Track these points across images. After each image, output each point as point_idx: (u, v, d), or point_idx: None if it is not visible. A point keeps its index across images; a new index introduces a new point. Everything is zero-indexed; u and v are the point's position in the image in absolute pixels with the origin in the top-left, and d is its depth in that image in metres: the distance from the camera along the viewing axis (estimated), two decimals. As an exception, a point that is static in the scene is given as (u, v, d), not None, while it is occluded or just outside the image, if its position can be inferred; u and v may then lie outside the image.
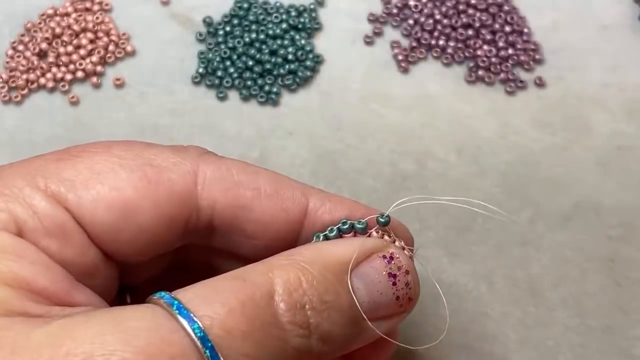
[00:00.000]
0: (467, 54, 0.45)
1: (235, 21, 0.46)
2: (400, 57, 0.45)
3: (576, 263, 0.40)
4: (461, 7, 0.46)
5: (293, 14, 0.46)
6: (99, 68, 0.45)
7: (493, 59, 0.45)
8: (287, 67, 0.45)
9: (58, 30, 0.45)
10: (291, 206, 0.30)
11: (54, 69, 0.44)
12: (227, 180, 0.29)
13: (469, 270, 0.40)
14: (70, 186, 0.27)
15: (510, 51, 0.45)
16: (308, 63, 0.45)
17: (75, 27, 0.45)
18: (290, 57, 0.45)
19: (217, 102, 0.44)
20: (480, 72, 0.45)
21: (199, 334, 0.24)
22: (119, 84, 0.44)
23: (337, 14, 0.47)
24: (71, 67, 0.44)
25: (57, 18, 0.46)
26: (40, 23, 0.46)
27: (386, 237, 0.29)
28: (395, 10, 0.46)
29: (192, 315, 0.24)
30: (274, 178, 0.30)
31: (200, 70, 0.45)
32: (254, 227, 0.30)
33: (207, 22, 0.46)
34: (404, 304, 0.28)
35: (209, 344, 0.24)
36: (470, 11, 0.46)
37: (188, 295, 0.25)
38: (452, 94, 0.45)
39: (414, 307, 0.29)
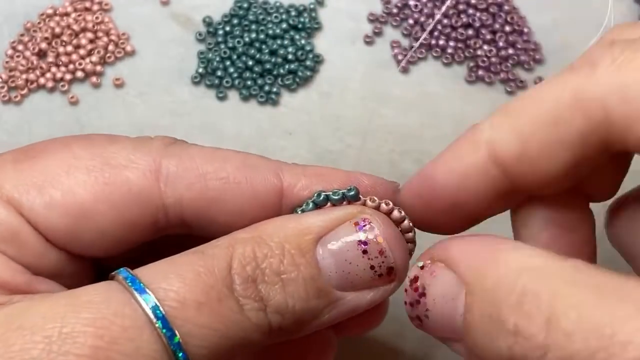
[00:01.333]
0: (467, 54, 0.45)
1: (235, 21, 0.46)
2: (400, 57, 0.45)
3: (576, 263, 0.40)
4: (461, 6, 0.46)
5: (293, 13, 0.46)
6: (98, 68, 0.45)
7: (493, 59, 0.45)
8: (287, 67, 0.45)
9: (58, 30, 0.45)
10: (263, 191, 0.28)
11: (54, 69, 0.44)
12: (191, 174, 0.28)
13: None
14: (24, 191, 0.27)
15: (510, 51, 0.45)
16: (308, 63, 0.45)
17: (75, 27, 0.45)
18: (290, 57, 0.45)
19: (217, 102, 0.44)
20: (481, 72, 0.45)
21: (150, 305, 0.24)
22: (119, 84, 0.44)
23: (337, 14, 0.47)
24: (71, 67, 0.44)
25: (57, 18, 0.46)
26: (39, 23, 0.46)
27: (369, 202, 0.28)
28: (395, 10, 0.46)
29: (144, 287, 0.24)
30: (243, 163, 0.29)
31: (200, 70, 0.45)
32: (228, 218, 0.28)
33: (207, 22, 0.46)
34: (383, 273, 0.27)
35: (160, 314, 0.24)
36: (470, 11, 0.46)
37: (146, 269, 0.25)
38: (452, 93, 0.45)
39: (402, 280, 0.27)
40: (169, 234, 0.30)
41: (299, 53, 0.45)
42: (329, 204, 0.28)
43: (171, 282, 0.24)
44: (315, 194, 0.28)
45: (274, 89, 0.44)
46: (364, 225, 0.27)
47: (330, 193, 0.28)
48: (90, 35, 0.45)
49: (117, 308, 0.24)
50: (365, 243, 0.26)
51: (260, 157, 0.29)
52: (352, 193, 0.27)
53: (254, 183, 0.28)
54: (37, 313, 0.23)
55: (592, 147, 0.25)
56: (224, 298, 0.25)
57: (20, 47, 0.45)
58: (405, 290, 0.26)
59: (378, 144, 0.43)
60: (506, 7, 0.46)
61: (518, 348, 0.23)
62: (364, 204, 0.28)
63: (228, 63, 0.45)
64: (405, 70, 0.45)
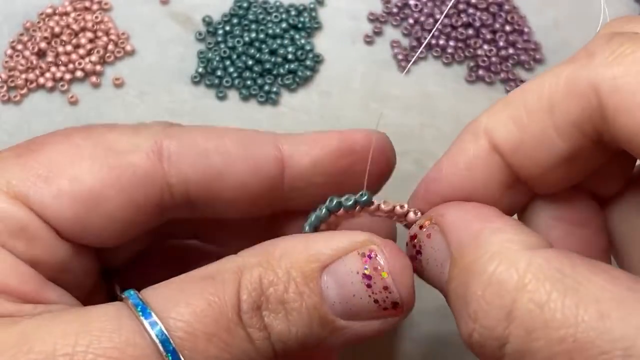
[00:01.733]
0: (467, 54, 0.45)
1: (235, 20, 0.46)
2: (400, 57, 0.45)
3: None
4: (461, 6, 0.46)
5: (293, 13, 0.46)
6: (98, 67, 0.45)
7: (493, 59, 0.45)
8: (286, 66, 0.44)
9: (57, 29, 0.45)
10: (264, 162, 0.29)
11: (53, 69, 0.44)
12: (193, 152, 0.28)
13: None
14: (31, 184, 0.27)
15: (510, 51, 0.45)
16: (308, 62, 0.45)
17: (75, 27, 0.45)
18: (290, 56, 0.45)
19: (217, 102, 0.44)
20: (481, 72, 0.45)
21: (160, 337, 0.23)
22: (119, 84, 0.44)
23: (337, 14, 0.47)
24: (70, 66, 0.44)
25: (56, 17, 0.46)
26: (39, 22, 0.46)
27: (382, 207, 0.27)
28: (395, 10, 0.46)
29: (154, 317, 0.24)
30: (242, 137, 0.29)
31: (200, 69, 0.45)
32: (232, 193, 0.29)
33: (207, 22, 0.46)
34: (388, 307, 0.26)
35: (171, 348, 0.23)
36: (471, 10, 0.46)
37: (155, 294, 0.25)
38: (453, 93, 0.44)
39: (408, 312, 0.27)
40: (171, 239, 0.30)
41: (299, 53, 0.45)
42: (341, 210, 0.27)
43: (181, 311, 0.24)
44: (328, 200, 0.28)
45: (274, 89, 0.44)
46: (369, 257, 0.26)
47: (343, 199, 0.27)
48: (89, 34, 0.45)
49: (128, 337, 0.23)
50: (369, 277, 0.26)
51: (258, 130, 0.30)
52: (365, 199, 0.27)
53: (255, 156, 0.28)
54: (48, 337, 0.23)
55: (588, 137, 0.25)
56: (233, 327, 0.25)
57: (19, 47, 0.45)
58: (407, 244, 0.27)
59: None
60: (506, 7, 0.46)
61: (476, 335, 0.23)
62: (378, 208, 0.27)
63: (228, 63, 0.45)
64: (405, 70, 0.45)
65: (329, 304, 0.26)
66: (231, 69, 0.44)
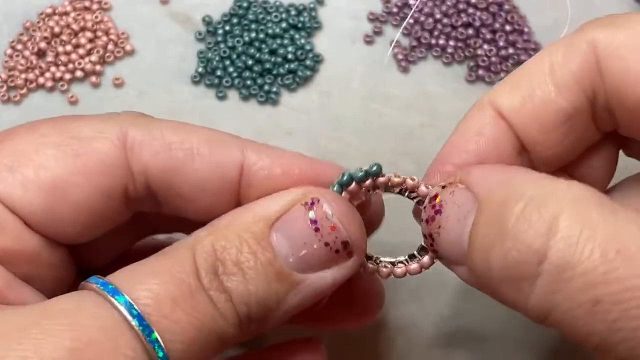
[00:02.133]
0: (467, 54, 0.45)
1: (235, 20, 0.46)
2: (400, 57, 0.45)
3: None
4: (461, 6, 0.46)
5: (293, 13, 0.46)
6: (98, 67, 0.44)
7: (493, 58, 0.45)
8: (286, 66, 0.44)
9: (57, 29, 0.45)
10: (226, 162, 0.29)
11: (53, 69, 0.44)
12: (157, 143, 0.28)
13: (469, 270, 0.40)
14: None
15: (510, 50, 0.45)
16: (308, 62, 0.45)
17: (74, 26, 0.45)
18: (289, 56, 0.45)
19: (217, 102, 0.44)
20: (481, 72, 0.45)
21: (125, 305, 0.24)
22: (118, 84, 0.44)
23: (337, 13, 0.47)
24: (70, 66, 0.44)
25: (56, 17, 0.46)
26: (39, 22, 0.46)
27: (394, 178, 0.28)
28: (395, 9, 0.46)
29: (117, 289, 0.24)
30: (208, 136, 0.29)
31: (200, 69, 0.45)
32: (191, 189, 0.29)
33: (207, 21, 0.46)
34: (340, 249, 0.27)
35: (136, 312, 0.24)
36: (471, 10, 0.46)
37: (116, 274, 0.25)
38: (452, 93, 0.44)
39: (362, 254, 0.28)
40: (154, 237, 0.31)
41: (299, 52, 0.45)
42: (353, 182, 0.28)
43: (143, 281, 0.25)
44: (340, 175, 0.28)
45: (274, 89, 0.44)
46: (312, 204, 0.27)
47: (353, 172, 0.28)
48: (89, 34, 0.45)
49: (91, 311, 0.24)
50: (315, 221, 0.27)
51: (226, 133, 0.30)
52: (375, 169, 0.28)
53: (218, 156, 0.29)
54: (9, 320, 0.23)
55: (585, 96, 0.27)
56: (196, 291, 0.25)
57: (19, 47, 0.45)
58: (424, 208, 0.27)
59: (378, 144, 0.43)
60: (506, 7, 0.46)
61: (514, 253, 0.23)
62: (389, 180, 0.28)
63: (228, 62, 0.45)
64: (405, 70, 0.45)
65: (283, 258, 0.26)
66: (231, 69, 0.44)
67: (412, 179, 0.28)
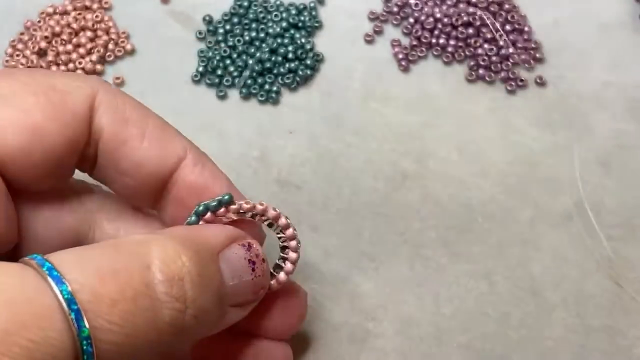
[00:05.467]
0: (467, 53, 0.45)
1: (235, 19, 0.46)
2: (400, 56, 0.45)
3: (576, 263, 0.40)
4: (462, 5, 0.46)
5: (293, 12, 0.46)
6: (98, 67, 0.45)
7: (494, 58, 0.45)
8: (287, 65, 0.44)
9: (57, 28, 0.45)
10: (169, 153, 0.31)
11: (54, 68, 0.44)
12: (117, 113, 0.30)
13: (469, 270, 0.40)
14: None
15: (510, 50, 0.45)
16: (308, 62, 0.45)
17: (75, 26, 0.45)
18: (290, 55, 0.45)
19: (217, 101, 0.44)
20: (481, 71, 0.45)
21: (66, 296, 0.24)
22: (119, 83, 0.44)
23: (338, 13, 0.47)
24: (71, 65, 0.44)
25: (57, 16, 0.46)
26: (39, 21, 0.46)
27: (244, 205, 0.31)
28: (395, 9, 0.46)
29: (61, 277, 0.24)
30: (162, 125, 0.31)
31: (200, 69, 0.45)
32: (129, 165, 0.30)
33: (207, 21, 0.46)
34: (258, 291, 0.30)
35: (75, 307, 0.24)
36: (471, 10, 0.46)
37: (61, 258, 0.25)
38: (453, 93, 0.44)
39: (261, 297, 0.31)
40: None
41: (299, 52, 0.45)
42: (208, 212, 0.30)
43: (87, 275, 0.24)
44: (196, 206, 0.30)
45: (274, 88, 0.44)
46: (250, 247, 0.30)
47: (209, 202, 0.30)
48: (90, 33, 0.45)
49: (30, 294, 0.23)
50: (253, 262, 0.30)
51: (176, 129, 0.32)
52: (227, 198, 0.30)
53: (165, 144, 0.31)
54: None
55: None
56: (140, 297, 0.25)
57: (20, 46, 0.45)
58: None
59: (378, 144, 0.43)
60: (507, 6, 0.46)
61: None
62: (240, 207, 0.31)
63: (228, 62, 0.45)
64: (405, 69, 0.45)
65: (227, 285, 0.28)
66: (231, 68, 0.44)
67: (261, 204, 0.31)
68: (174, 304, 0.26)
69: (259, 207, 0.31)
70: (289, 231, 0.32)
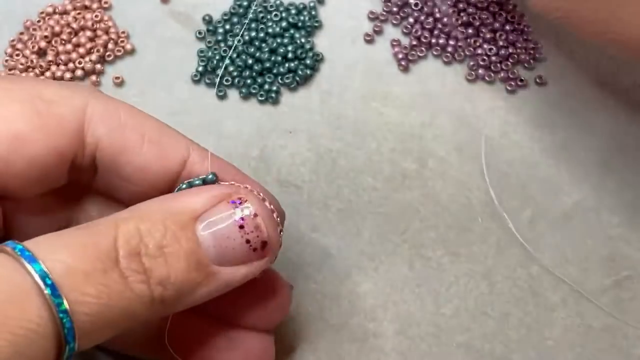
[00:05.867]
0: (467, 53, 0.45)
1: (235, 19, 0.46)
2: (400, 56, 0.45)
3: (576, 263, 0.40)
4: (461, 5, 0.46)
5: (293, 12, 0.46)
6: (98, 66, 0.44)
7: (493, 58, 0.45)
8: (286, 65, 0.44)
9: (57, 28, 0.45)
10: (172, 155, 0.31)
11: (53, 68, 0.44)
12: (113, 121, 0.30)
13: (469, 270, 0.40)
14: None
15: (510, 50, 0.45)
16: (308, 61, 0.44)
17: (74, 26, 0.45)
18: (290, 55, 0.45)
19: (217, 101, 0.44)
20: (481, 71, 0.45)
21: (39, 273, 0.24)
22: (119, 83, 0.44)
23: (337, 12, 0.47)
24: (70, 65, 0.44)
25: (56, 16, 0.46)
26: (39, 21, 0.46)
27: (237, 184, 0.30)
28: (395, 9, 0.46)
29: (34, 256, 0.25)
30: (160, 127, 0.31)
31: (200, 68, 0.45)
32: (132, 171, 0.30)
33: (207, 20, 0.46)
34: (257, 248, 0.29)
35: (49, 282, 0.24)
36: (471, 10, 0.46)
37: (33, 242, 0.26)
38: (453, 92, 0.44)
39: (276, 253, 0.30)
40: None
41: (299, 52, 0.45)
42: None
43: (59, 253, 0.25)
44: (180, 184, 0.31)
45: (274, 88, 0.44)
46: (240, 203, 0.29)
47: (193, 179, 0.30)
48: (89, 33, 0.45)
49: (4, 274, 0.24)
50: (242, 219, 0.29)
51: (175, 130, 0.32)
52: (210, 177, 0.30)
53: (166, 146, 0.31)
54: None
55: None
56: (109, 270, 0.26)
57: (19, 46, 0.45)
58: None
59: (378, 143, 0.43)
60: (506, 6, 0.46)
61: None
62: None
63: (228, 61, 0.45)
64: (405, 69, 0.45)
65: (205, 248, 0.28)
66: (231, 68, 0.44)
67: (246, 187, 0.31)
68: (136, 277, 0.27)
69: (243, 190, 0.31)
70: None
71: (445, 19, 0.45)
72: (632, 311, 0.39)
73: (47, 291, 0.24)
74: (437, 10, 0.46)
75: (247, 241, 0.29)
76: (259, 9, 0.46)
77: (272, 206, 0.30)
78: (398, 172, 0.42)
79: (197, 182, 0.30)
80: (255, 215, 0.29)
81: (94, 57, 0.44)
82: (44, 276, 0.24)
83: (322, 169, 0.42)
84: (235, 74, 0.44)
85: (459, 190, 0.42)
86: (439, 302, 0.39)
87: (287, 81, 0.44)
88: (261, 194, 0.31)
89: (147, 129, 0.31)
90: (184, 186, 0.30)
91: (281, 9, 0.46)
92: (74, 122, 0.29)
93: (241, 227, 0.29)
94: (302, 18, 0.46)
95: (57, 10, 0.46)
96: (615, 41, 0.32)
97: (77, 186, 0.32)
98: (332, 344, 0.39)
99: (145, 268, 0.27)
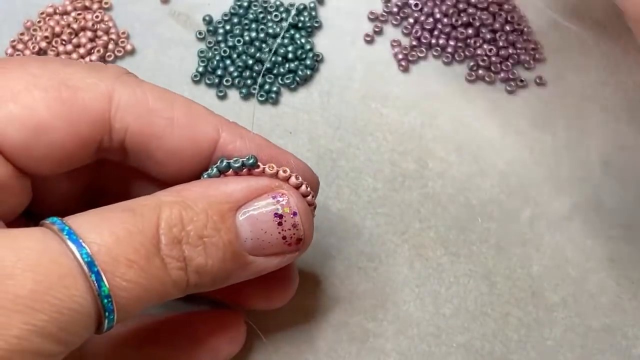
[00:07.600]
0: (467, 53, 0.45)
1: (235, 20, 0.46)
2: (400, 56, 0.45)
3: (576, 263, 0.40)
4: (461, 5, 0.46)
5: (293, 12, 0.46)
6: (98, 67, 0.44)
7: (493, 58, 0.45)
8: (287, 66, 0.44)
9: (57, 29, 0.45)
10: (202, 138, 0.31)
11: (54, 68, 0.44)
12: (141, 107, 0.30)
13: (469, 270, 0.40)
14: None
15: (510, 50, 0.45)
16: (308, 62, 0.45)
17: (75, 26, 0.45)
18: (290, 56, 0.45)
19: (217, 101, 0.44)
20: (481, 71, 0.45)
21: (86, 259, 0.25)
22: (119, 83, 0.44)
23: (337, 13, 0.47)
24: (71, 65, 0.44)
25: (57, 17, 0.46)
26: (39, 22, 0.46)
27: (267, 170, 0.30)
28: (395, 9, 0.46)
29: (81, 241, 0.25)
30: (190, 108, 0.31)
31: (200, 69, 0.45)
32: (164, 155, 0.31)
33: (207, 21, 0.46)
34: (292, 243, 0.30)
35: (95, 269, 0.25)
36: (471, 10, 0.46)
37: (79, 221, 0.26)
38: (453, 93, 0.44)
39: (306, 248, 0.31)
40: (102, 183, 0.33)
41: (299, 52, 0.45)
42: (230, 170, 0.30)
43: (104, 237, 0.26)
44: (219, 161, 0.30)
45: (274, 88, 0.44)
46: (280, 197, 0.30)
47: (232, 161, 0.30)
48: (90, 34, 0.45)
49: (53, 257, 0.25)
50: (280, 216, 0.29)
51: (205, 108, 0.32)
52: (251, 161, 0.30)
53: (196, 129, 0.31)
54: None
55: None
56: (151, 257, 0.27)
57: (20, 46, 0.45)
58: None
59: (378, 144, 0.43)
60: (506, 6, 0.46)
61: None
62: (263, 171, 0.30)
63: (228, 62, 0.45)
64: (405, 69, 0.45)
65: (242, 240, 0.29)
66: (231, 68, 0.44)
67: (285, 171, 0.30)
68: (175, 264, 0.27)
69: (282, 173, 0.30)
70: (303, 188, 0.31)
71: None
72: (632, 311, 0.39)
73: (92, 277, 0.25)
74: (437, 10, 0.46)
75: (284, 237, 0.30)
76: (259, 10, 0.46)
77: (309, 188, 0.31)
78: (398, 172, 0.42)
79: (236, 165, 0.30)
80: (295, 213, 0.30)
81: (94, 57, 0.44)
82: (90, 263, 0.25)
83: (322, 169, 0.42)
84: (235, 74, 0.44)
85: (459, 190, 0.42)
86: (438, 302, 0.39)
87: (287, 81, 0.44)
88: (299, 178, 0.31)
89: (176, 112, 0.30)
90: (224, 165, 0.30)
91: (281, 9, 0.46)
92: (99, 109, 0.29)
93: (279, 223, 0.29)
94: (302, 18, 0.46)
95: (57, 11, 0.46)
96: None
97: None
98: (332, 344, 0.39)
99: (185, 256, 0.28)
